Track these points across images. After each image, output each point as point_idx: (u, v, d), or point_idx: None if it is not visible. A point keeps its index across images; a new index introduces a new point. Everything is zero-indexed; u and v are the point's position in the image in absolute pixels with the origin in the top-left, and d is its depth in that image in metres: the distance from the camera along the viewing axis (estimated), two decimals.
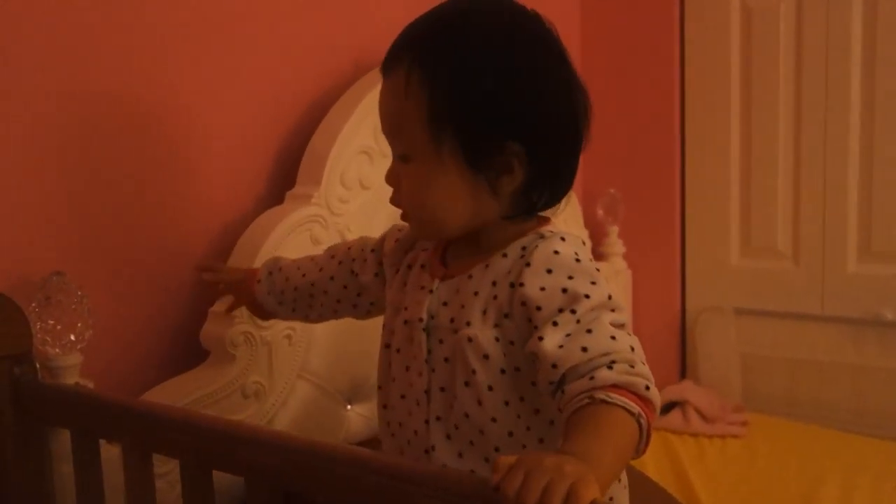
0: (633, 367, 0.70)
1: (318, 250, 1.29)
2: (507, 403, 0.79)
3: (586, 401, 0.67)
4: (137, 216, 1.19)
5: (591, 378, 0.69)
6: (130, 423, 0.83)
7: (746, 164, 2.06)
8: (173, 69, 1.22)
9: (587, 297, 0.74)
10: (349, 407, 1.37)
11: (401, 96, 0.79)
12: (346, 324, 1.34)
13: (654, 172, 2.15)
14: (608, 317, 0.74)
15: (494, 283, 0.80)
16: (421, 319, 0.83)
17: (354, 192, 1.36)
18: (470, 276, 0.82)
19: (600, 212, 2.12)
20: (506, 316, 0.78)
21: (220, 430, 0.75)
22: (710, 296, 2.13)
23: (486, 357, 0.78)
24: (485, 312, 0.79)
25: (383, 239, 1.00)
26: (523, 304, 0.76)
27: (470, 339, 0.79)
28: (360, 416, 1.38)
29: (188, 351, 1.22)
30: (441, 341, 0.82)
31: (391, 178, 0.84)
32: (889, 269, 1.91)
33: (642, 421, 0.68)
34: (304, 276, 1.06)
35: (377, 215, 1.40)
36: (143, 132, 1.19)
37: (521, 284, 0.77)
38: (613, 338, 0.72)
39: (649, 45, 2.12)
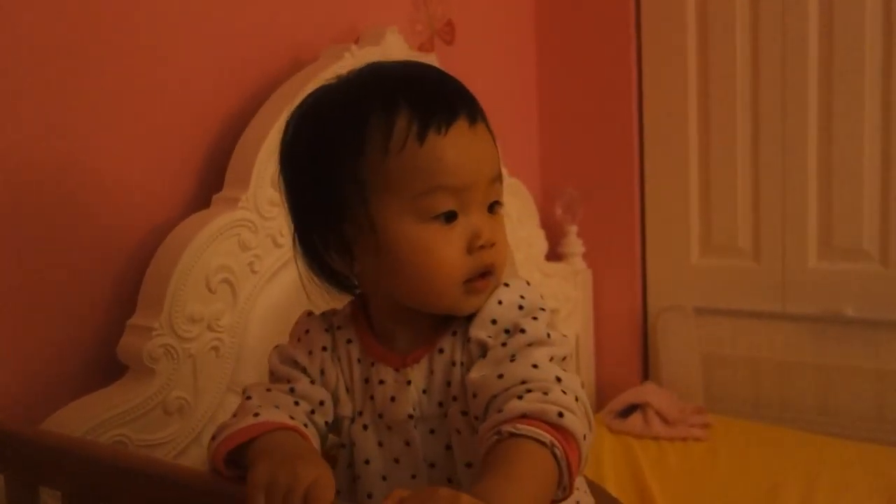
0: (546, 393, 0.64)
1: (248, 256, 1.23)
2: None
3: (494, 437, 0.63)
4: (46, 224, 1.11)
5: (500, 411, 0.64)
6: (12, 453, 0.76)
7: (705, 162, 2.02)
8: (92, 62, 1.15)
9: (522, 331, 0.72)
10: None
11: (493, 144, 0.78)
12: (282, 332, 1.28)
13: (613, 171, 2.10)
14: (542, 350, 0.70)
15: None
16: (411, 416, 0.76)
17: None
18: (441, 350, 0.76)
19: (559, 211, 2.07)
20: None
21: (108, 462, 0.68)
22: (670, 295, 2.08)
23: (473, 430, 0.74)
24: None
25: (293, 360, 0.83)
26: (470, 353, 0.74)
27: (464, 413, 0.73)
28: None
29: (107, 369, 1.14)
30: (432, 431, 0.76)
31: (494, 232, 0.75)
32: (849, 266, 1.88)
33: (557, 451, 0.61)
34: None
35: None
36: (51, 130, 1.12)
37: (469, 340, 0.74)
38: (535, 366, 0.67)
39: (606, 44, 2.07)
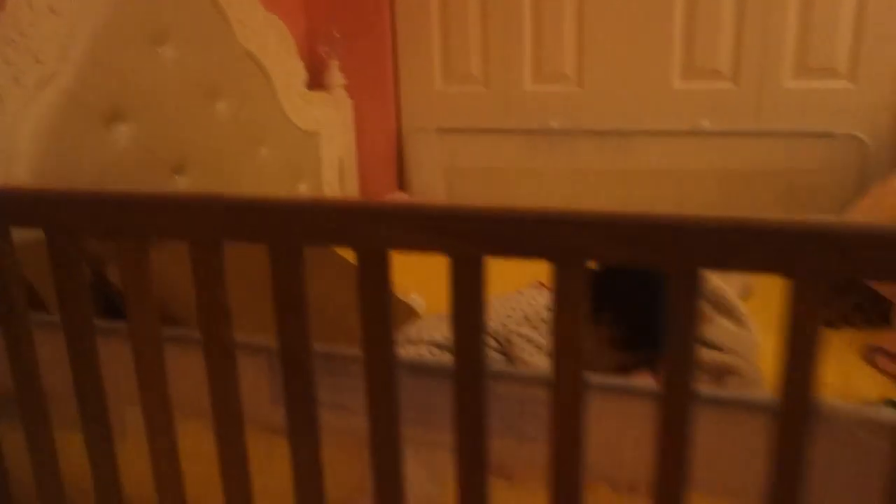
0: None
1: (10, 72, 1.42)
2: None
3: None
4: None
5: None
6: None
7: (445, 3, 2.36)
8: None
9: None
10: None
11: None
12: (55, 147, 1.49)
13: (369, 12, 2.38)
14: None
15: None
16: None
17: (42, 16, 1.46)
18: None
19: (323, 47, 2.34)
20: None
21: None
22: (419, 118, 2.46)
23: None
24: None
25: None
26: None
27: None
28: None
29: None
30: None
31: None
32: (554, 87, 2.32)
33: None
34: None
35: (75, 42, 1.52)
36: None
37: None
38: None
39: None
